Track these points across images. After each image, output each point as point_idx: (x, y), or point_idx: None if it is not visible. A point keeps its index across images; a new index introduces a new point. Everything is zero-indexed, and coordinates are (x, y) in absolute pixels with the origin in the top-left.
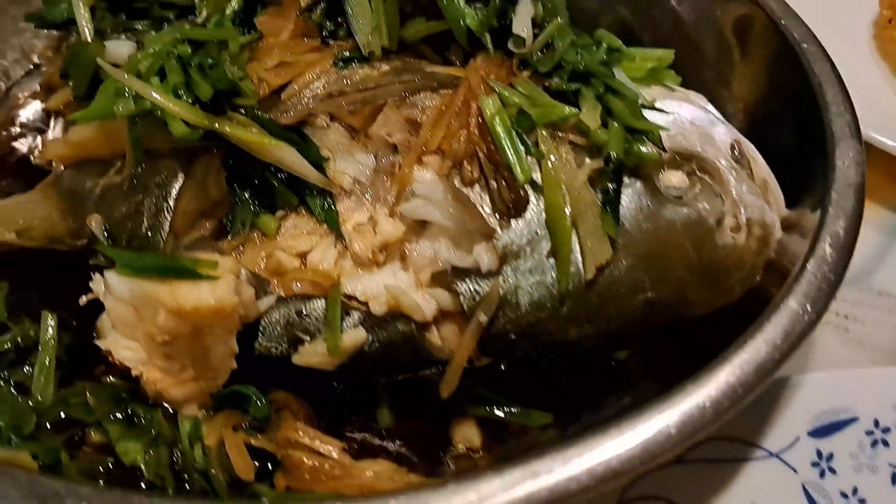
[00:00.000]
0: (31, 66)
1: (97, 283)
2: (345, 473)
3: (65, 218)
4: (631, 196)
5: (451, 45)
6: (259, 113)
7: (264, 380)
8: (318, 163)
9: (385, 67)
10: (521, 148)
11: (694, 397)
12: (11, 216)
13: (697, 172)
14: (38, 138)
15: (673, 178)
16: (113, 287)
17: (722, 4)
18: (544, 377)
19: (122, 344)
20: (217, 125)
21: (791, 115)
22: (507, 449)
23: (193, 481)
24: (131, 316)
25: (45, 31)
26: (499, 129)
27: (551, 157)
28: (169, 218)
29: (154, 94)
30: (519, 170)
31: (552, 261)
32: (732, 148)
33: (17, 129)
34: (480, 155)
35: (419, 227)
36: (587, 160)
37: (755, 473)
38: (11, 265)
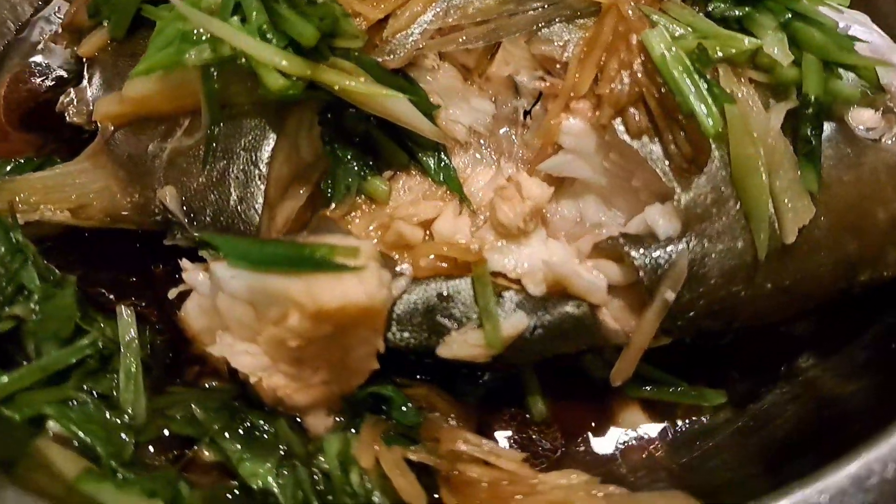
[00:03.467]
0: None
1: (191, 274)
2: (530, 490)
3: (126, 191)
4: (823, 142)
5: None
6: (363, 56)
7: (383, 370)
8: (428, 112)
9: None
10: (706, 92)
11: None
12: (61, 191)
13: (892, 108)
14: (72, 92)
15: (865, 117)
16: (225, 283)
17: None
18: (710, 350)
19: (239, 349)
20: (320, 74)
21: None
22: (683, 437)
23: None
24: (250, 316)
25: None
26: (674, 69)
27: (738, 99)
28: (262, 187)
29: (240, 38)
30: (706, 118)
31: (743, 223)
32: None
33: (40, 80)
34: (650, 101)
35: (558, 184)
36: (772, 102)
37: None
38: (68, 246)
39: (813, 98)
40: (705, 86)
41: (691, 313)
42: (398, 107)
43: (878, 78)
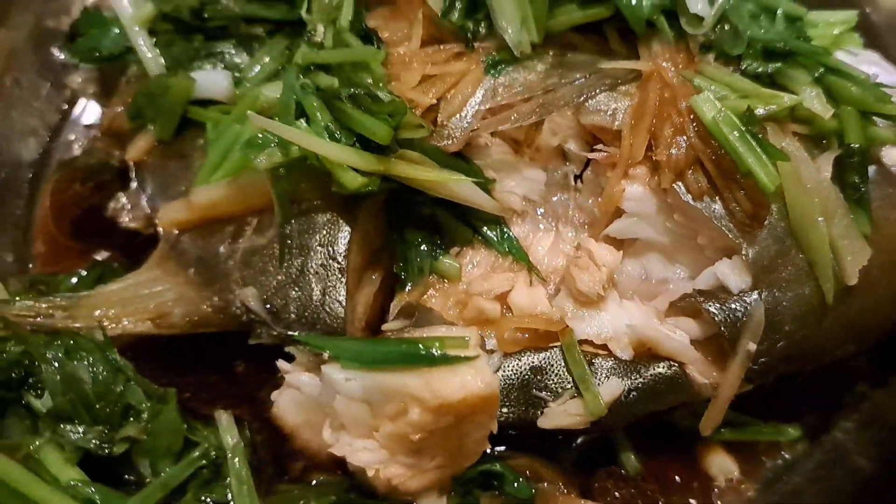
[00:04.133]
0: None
1: (294, 376)
2: None
3: (204, 295)
4: None
5: (607, 30)
6: (425, 144)
7: None
8: (485, 187)
9: (540, 67)
10: (759, 150)
11: None
12: (139, 302)
13: None
14: (123, 197)
15: (890, 152)
16: (341, 386)
17: None
18: (783, 388)
19: (358, 446)
20: (392, 168)
21: None
22: (770, 474)
23: None
24: (365, 414)
25: (83, 65)
26: (727, 132)
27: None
28: (343, 280)
29: (311, 140)
30: (764, 176)
31: (808, 270)
32: None
33: (83, 186)
34: (707, 163)
35: (619, 245)
36: (815, 152)
37: None
38: (146, 354)
39: (856, 147)
40: (757, 145)
41: (770, 360)
42: (464, 190)
43: None
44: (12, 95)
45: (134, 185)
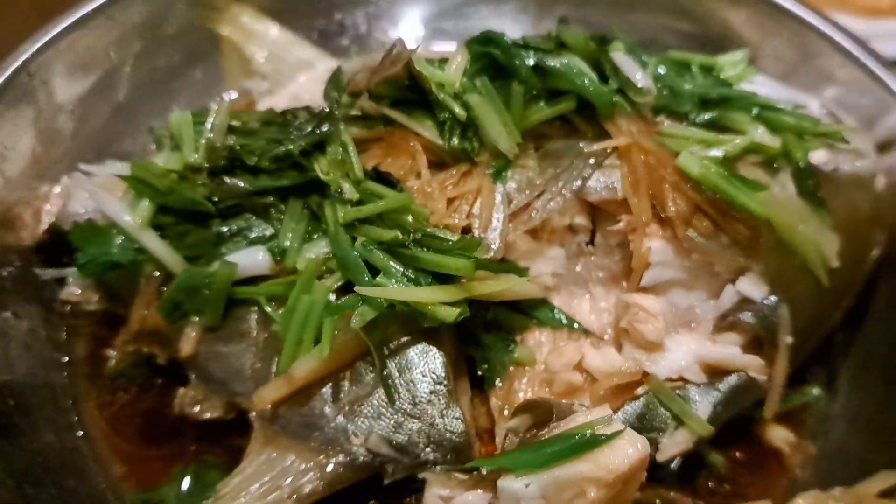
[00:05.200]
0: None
1: (460, 499)
2: None
3: (327, 456)
4: None
5: (571, 117)
6: (479, 260)
7: None
8: (524, 277)
9: (531, 163)
10: (743, 186)
11: None
12: (271, 487)
13: (832, 144)
14: (188, 392)
15: (821, 158)
16: (522, 492)
17: None
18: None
19: None
20: (473, 291)
21: None
22: (813, 428)
23: None
24: None
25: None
26: (716, 178)
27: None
28: (454, 399)
29: (401, 292)
30: (754, 206)
31: (803, 266)
32: (824, 109)
33: (129, 394)
34: (705, 207)
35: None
36: (771, 175)
37: None
38: None
39: (803, 163)
40: (740, 182)
41: (798, 343)
42: (522, 288)
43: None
44: (16, 329)
45: (192, 376)
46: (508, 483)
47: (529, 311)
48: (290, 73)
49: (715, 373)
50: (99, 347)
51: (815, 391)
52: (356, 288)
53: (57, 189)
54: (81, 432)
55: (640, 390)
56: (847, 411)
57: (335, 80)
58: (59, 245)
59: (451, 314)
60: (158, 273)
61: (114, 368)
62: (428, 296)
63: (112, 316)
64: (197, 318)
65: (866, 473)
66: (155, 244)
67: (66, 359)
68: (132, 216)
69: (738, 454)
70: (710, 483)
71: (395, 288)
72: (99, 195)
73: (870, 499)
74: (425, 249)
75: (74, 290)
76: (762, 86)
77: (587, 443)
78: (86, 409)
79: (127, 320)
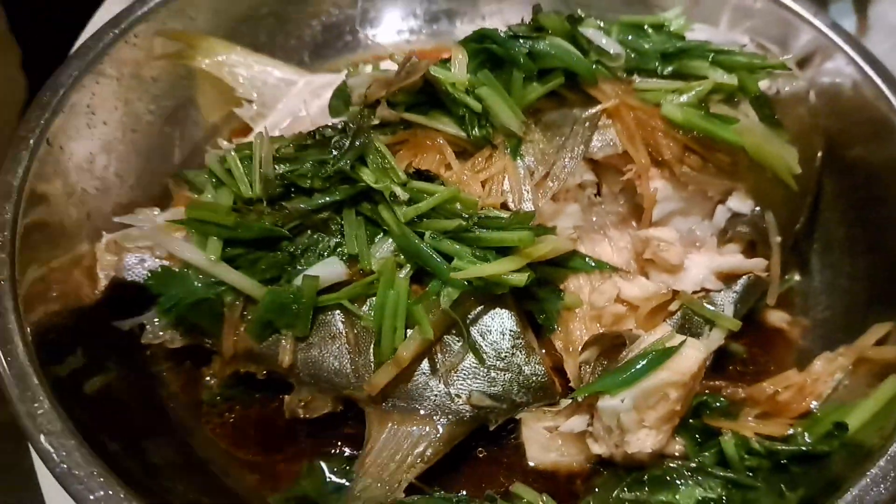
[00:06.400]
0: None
1: (568, 424)
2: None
3: (439, 419)
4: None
5: (559, 90)
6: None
7: None
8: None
9: (537, 136)
10: (720, 123)
11: None
12: (407, 455)
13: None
14: (294, 399)
15: (765, 84)
16: (618, 406)
17: None
18: None
19: (641, 436)
20: (533, 254)
21: None
22: (800, 302)
23: None
24: (633, 416)
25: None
26: (697, 120)
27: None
28: (532, 348)
29: (479, 269)
30: (732, 136)
31: (775, 177)
32: (753, 42)
33: (242, 410)
34: (692, 145)
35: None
36: (734, 107)
37: None
38: None
39: (758, 94)
40: (717, 119)
41: (784, 241)
42: (561, 245)
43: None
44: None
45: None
46: (607, 402)
47: (564, 262)
48: (274, 93)
49: (728, 278)
50: (190, 379)
51: (796, 276)
52: (452, 274)
53: (101, 244)
54: (202, 457)
55: (673, 306)
56: (823, 286)
57: (341, 95)
58: (122, 295)
59: (521, 279)
60: (238, 301)
61: (214, 393)
62: (501, 268)
63: (193, 348)
64: (288, 332)
65: (856, 331)
66: (233, 276)
67: (165, 394)
68: (206, 254)
69: (750, 341)
70: (737, 368)
71: (477, 266)
72: (168, 242)
73: (870, 349)
74: (486, 230)
75: (157, 332)
76: (701, 32)
77: (662, 355)
78: (200, 436)
79: (218, 348)
